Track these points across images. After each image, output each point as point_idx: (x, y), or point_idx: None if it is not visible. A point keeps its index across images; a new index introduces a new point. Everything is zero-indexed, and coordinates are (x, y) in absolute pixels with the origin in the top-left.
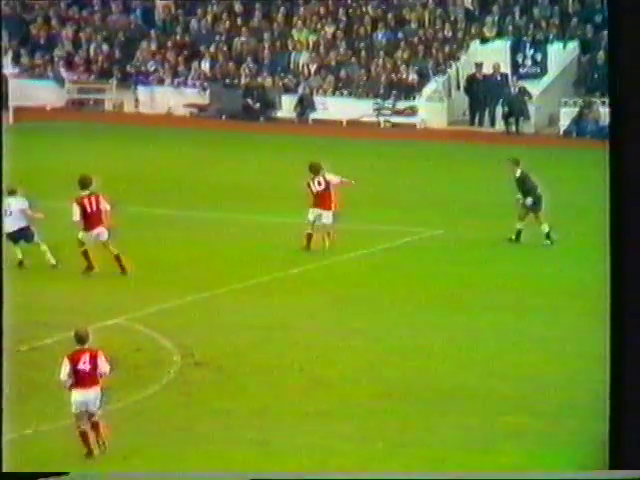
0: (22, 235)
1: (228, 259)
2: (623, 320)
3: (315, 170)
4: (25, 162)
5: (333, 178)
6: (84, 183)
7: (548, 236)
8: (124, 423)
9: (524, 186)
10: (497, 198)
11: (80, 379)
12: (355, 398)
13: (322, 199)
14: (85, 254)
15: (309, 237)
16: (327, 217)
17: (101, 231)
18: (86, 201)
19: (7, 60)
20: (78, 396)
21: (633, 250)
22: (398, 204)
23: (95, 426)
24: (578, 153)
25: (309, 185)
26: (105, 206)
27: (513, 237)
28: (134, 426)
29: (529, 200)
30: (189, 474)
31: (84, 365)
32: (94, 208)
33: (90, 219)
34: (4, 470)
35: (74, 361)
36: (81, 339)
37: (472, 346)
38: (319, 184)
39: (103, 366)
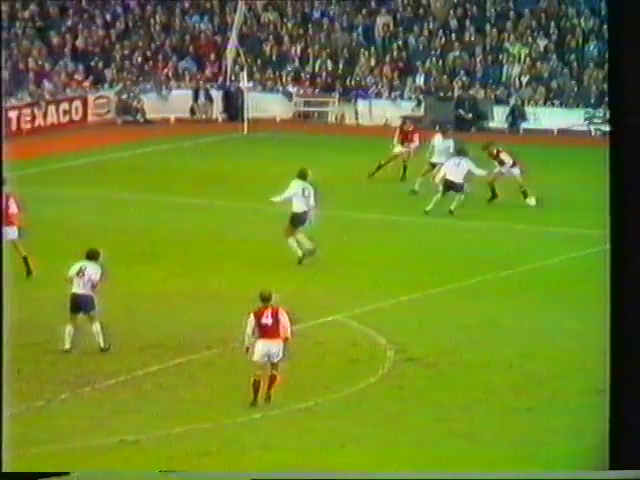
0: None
1: (441, 261)
2: (623, 321)
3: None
4: (253, 168)
5: None
6: None
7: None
8: (341, 413)
9: None
10: None
11: (264, 332)
12: (564, 394)
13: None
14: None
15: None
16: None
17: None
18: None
19: (243, 75)
20: (261, 347)
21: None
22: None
23: (272, 378)
24: None
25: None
26: (14, 207)
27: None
28: (350, 416)
29: None
30: (189, 474)
31: (267, 319)
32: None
33: None
34: (4, 470)
35: (258, 316)
36: (265, 298)
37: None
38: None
39: (285, 321)
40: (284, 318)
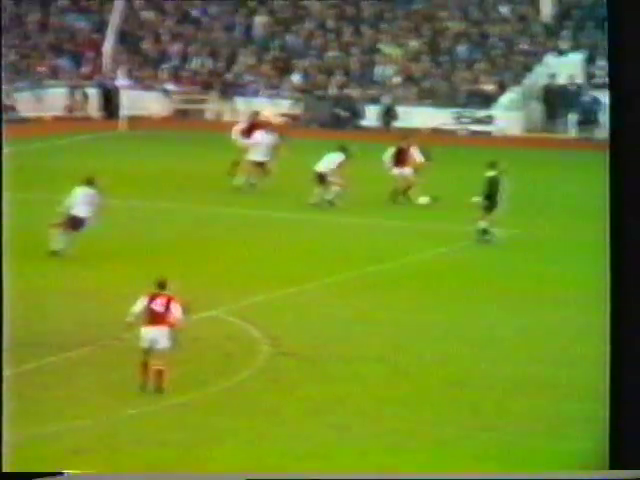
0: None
1: (314, 257)
2: (623, 321)
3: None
4: (129, 166)
5: None
6: None
7: (485, 232)
8: (217, 407)
9: (489, 187)
10: (569, 200)
11: (151, 317)
12: (429, 386)
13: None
14: None
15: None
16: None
17: None
18: None
19: (121, 73)
20: (148, 332)
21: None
22: (475, 205)
23: (160, 372)
24: None
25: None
26: None
27: (480, 237)
28: (226, 410)
29: (483, 201)
30: (188, 474)
31: (157, 306)
32: None
33: None
34: (4, 470)
35: (150, 300)
36: (161, 284)
37: (540, 337)
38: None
39: (176, 311)
40: (176, 308)
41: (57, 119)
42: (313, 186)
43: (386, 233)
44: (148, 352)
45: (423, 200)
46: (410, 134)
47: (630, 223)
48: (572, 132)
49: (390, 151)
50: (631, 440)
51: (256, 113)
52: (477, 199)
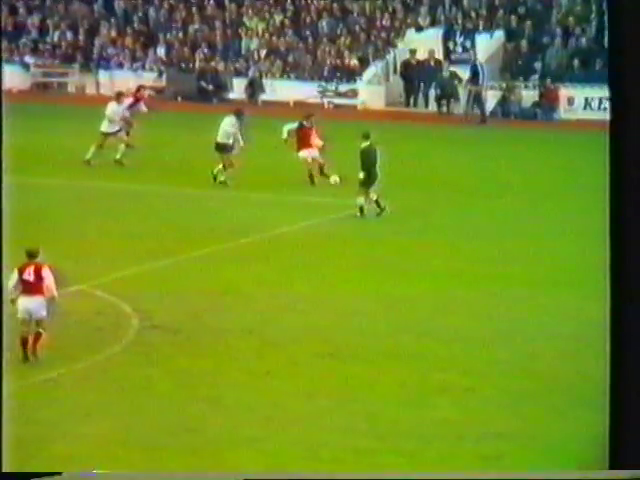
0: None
1: (183, 230)
2: (623, 320)
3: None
4: None
5: None
6: None
7: (378, 204)
8: (86, 381)
9: (365, 159)
10: (431, 173)
11: (25, 288)
12: (299, 358)
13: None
14: None
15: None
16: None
17: None
18: None
19: None
20: (22, 303)
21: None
22: (341, 178)
23: (37, 336)
24: (503, 132)
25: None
26: None
27: (358, 213)
28: (96, 385)
29: (361, 174)
30: (188, 474)
31: (29, 276)
32: None
33: None
34: (4, 470)
35: (21, 272)
36: (31, 254)
37: (407, 309)
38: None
39: (48, 278)
40: (47, 275)
41: None
42: (181, 158)
43: (257, 206)
44: (26, 323)
45: (333, 179)
46: (312, 112)
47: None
48: (431, 107)
49: (289, 127)
50: (631, 440)
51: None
52: (361, 174)
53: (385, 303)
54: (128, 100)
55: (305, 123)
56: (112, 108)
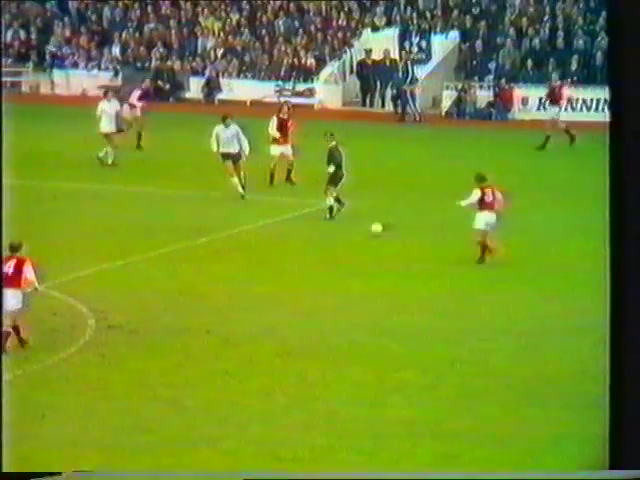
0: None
1: (140, 229)
2: (625, 322)
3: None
4: None
5: None
6: None
7: (338, 201)
8: (42, 383)
9: (332, 158)
10: (388, 172)
11: (4, 281)
12: (257, 357)
13: None
14: None
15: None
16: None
17: None
18: None
19: None
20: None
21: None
22: (299, 177)
23: (16, 329)
24: (459, 132)
25: None
26: None
27: (327, 215)
28: (52, 386)
29: (330, 169)
30: (188, 474)
31: (9, 269)
32: None
33: None
34: (4, 470)
35: (2, 264)
36: (13, 248)
37: (364, 307)
38: None
39: (28, 272)
40: (28, 269)
41: None
42: (139, 158)
43: (214, 205)
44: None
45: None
46: (287, 104)
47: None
48: (386, 106)
49: (273, 123)
50: (631, 440)
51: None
52: (330, 172)
53: (343, 302)
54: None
55: (281, 115)
56: (102, 107)
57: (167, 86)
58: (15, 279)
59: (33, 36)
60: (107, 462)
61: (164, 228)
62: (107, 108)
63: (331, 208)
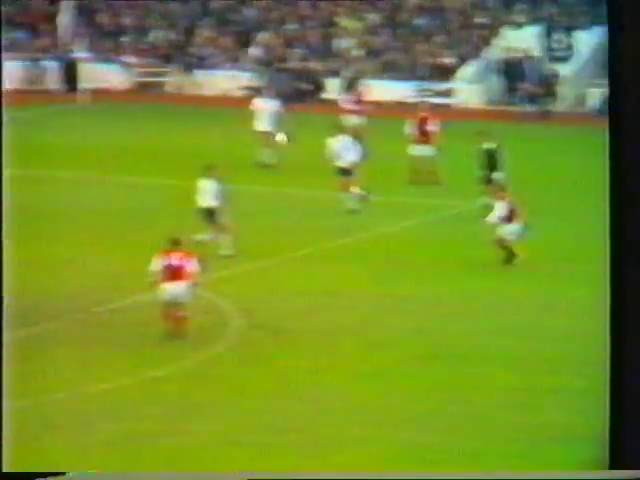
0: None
1: (285, 230)
2: (625, 322)
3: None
4: (91, 139)
5: None
6: None
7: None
8: (190, 380)
9: (489, 159)
10: (531, 174)
11: (170, 273)
12: (403, 359)
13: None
14: None
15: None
16: None
17: None
18: None
19: (80, 45)
20: (167, 288)
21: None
22: (440, 179)
23: (181, 318)
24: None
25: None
26: None
27: (486, 216)
28: (199, 384)
29: (487, 174)
30: (187, 474)
31: (174, 261)
32: None
33: None
34: (4, 470)
35: (166, 258)
36: (175, 242)
37: (512, 312)
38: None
39: (194, 266)
40: (194, 263)
41: (15, 92)
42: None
43: (355, 206)
44: (169, 305)
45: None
46: (426, 104)
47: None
48: (529, 105)
49: (410, 125)
50: (631, 440)
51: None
52: (487, 174)
53: (489, 304)
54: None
55: (421, 115)
56: (257, 106)
57: (308, 86)
58: (183, 272)
59: (177, 37)
60: (251, 461)
61: (306, 229)
62: (263, 107)
63: (487, 207)
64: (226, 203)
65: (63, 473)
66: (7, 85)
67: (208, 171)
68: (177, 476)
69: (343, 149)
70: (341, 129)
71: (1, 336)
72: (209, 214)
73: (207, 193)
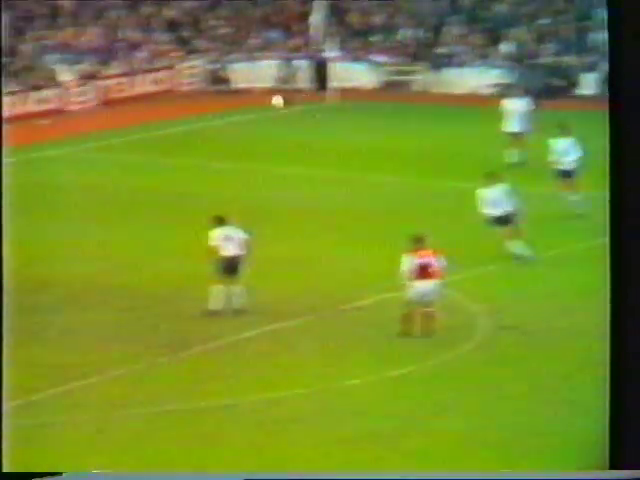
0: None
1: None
2: (623, 320)
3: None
4: (340, 137)
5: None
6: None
7: None
8: (435, 379)
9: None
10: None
11: (422, 272)
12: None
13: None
14: None
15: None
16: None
17: None
18: None
19: (331, 45)
20: (419, 286)
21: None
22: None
23: (430, 314)
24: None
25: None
26: None
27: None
28: (444, 383)
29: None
30: (188, 474)
31: (423, 260)
32: None
33: None
34: (4, 470)
35: (417, 256)
36: (419, 240)
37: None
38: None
39: (441, 262)
40: (440, 259)
41: (267, 91)
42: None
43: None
44: (417, 303)
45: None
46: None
47: None
48: None
49: None
50: (631, 440)
51: None
52: None
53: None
54: None
55: None
56: (507, 106)
57: (561, 82)
58: (434, 271)
59: (424, 35)
60: (498, 460)
61: (555, 231)
62: (512, 107)
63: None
64: (520, 207)
65: (60, 473)
66: (260, 84)
67: (491, 179)
68: (178, 476)
69: (564, 151)
70: (564, 129)
71: (1, 335)
72: (504, 221)
73: (497, 200)
